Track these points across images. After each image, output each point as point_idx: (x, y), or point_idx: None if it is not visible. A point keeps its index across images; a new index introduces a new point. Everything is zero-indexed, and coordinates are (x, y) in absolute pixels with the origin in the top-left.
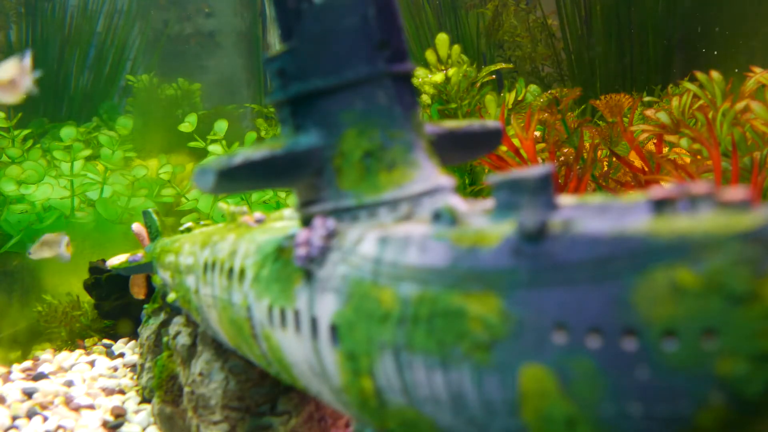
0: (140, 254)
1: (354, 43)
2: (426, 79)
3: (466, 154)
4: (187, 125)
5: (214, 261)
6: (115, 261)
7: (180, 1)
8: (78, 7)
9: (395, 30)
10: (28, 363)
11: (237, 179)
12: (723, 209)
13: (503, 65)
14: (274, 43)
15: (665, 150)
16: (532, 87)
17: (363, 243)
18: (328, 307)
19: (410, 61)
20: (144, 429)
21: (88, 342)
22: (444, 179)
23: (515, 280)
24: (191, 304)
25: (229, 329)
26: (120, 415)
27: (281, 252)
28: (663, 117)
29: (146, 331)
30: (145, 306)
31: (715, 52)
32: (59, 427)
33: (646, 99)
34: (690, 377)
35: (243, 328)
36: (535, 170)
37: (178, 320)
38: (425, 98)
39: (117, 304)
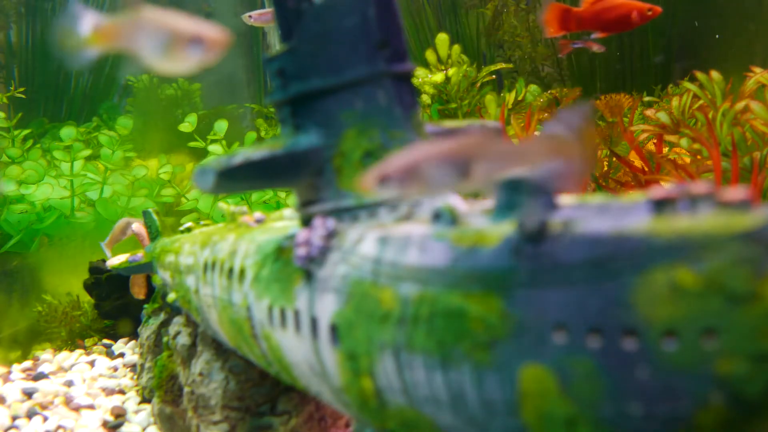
0: (140, 254)
1: (354, 43)
2: (426, 79)
3: None
4: (187, 125)
5: (214, 261)
6: (115, 261)
7: (180, 1)
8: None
9: (395, 30)
10: (28, 363)
11: (237, 179)
12: (723, 209)
13: (503, 65)
14: (274, 43)
15: (665, 150)
16: (532, 87)
17: (363, 243)
18: (328, 307)
19: (410, 61)
20: (144, 429)
21: (88, 342)
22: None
23: (515, 280)
24: (191, 304)
25: (229, 329)
26: (120, 415)
27: (281, 252)
28: (663, 117)
29: (146, 331)
30: (145, 306)
31: (715, 52)
32: (59, 427)
33: (646, 99)
34: (690, 377)
35: (243, 328)
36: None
37: (178, 320)
38: (425, 98)
39: (117, 304)
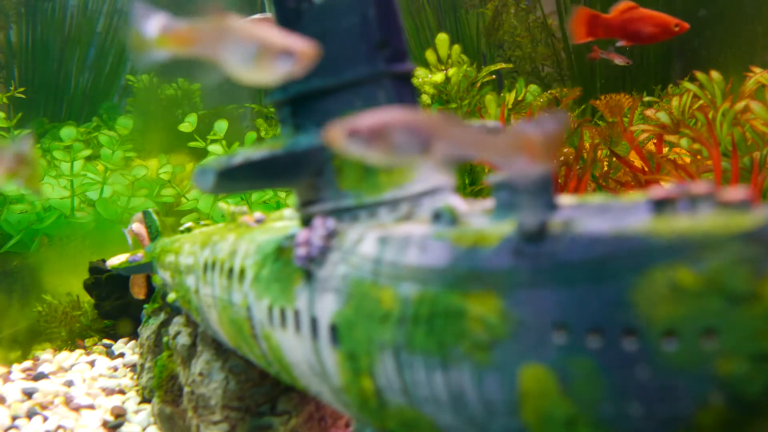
0: (140, 254)
1: (354, 43)
2: (426, 79)
3: None
4: (187, 125)
5: (214, 261)
6: (115, 261)
7: (180, 1)
8: (78, 7)
9: (395, 30)
10: (28, 363)
11: (237, 179)
12: (723, 209)
13: (503, 65)
14: None
15: (665, 150)
16: (532, 87)
17: (363, 243)
18: (328, 307)
19: (410, 61)
20: (144, 429)
21: (88, 342)
22: (444, 179)
23: (515, 280)
24: (191, 304)
25: (229, 329)
26: (120, 415)
27: (281, 252)
28: (663, 117)
29: (146, 331)
30: (145, 306)
31: (715, 52)
32: (59, 427)
33: (646, 99)
34: (690, 377)
35: (243, 328)
36: (535, 170)
37: (178, 320)
38: (425, 98)
39: (117, 304)
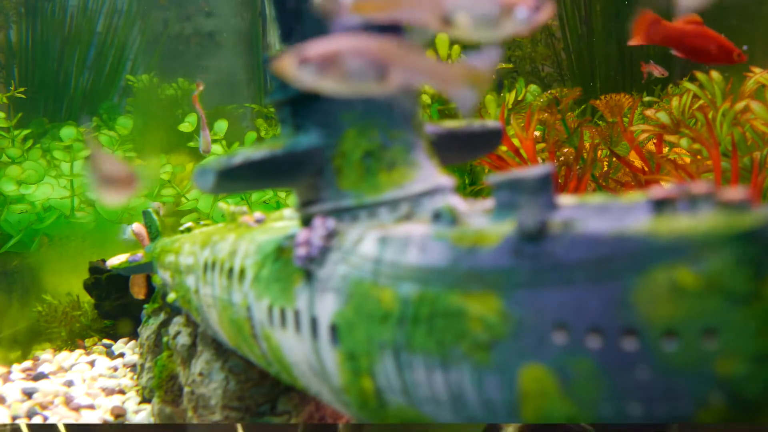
0: (140, 254)
1: None
2: None
3: (466, 154)
4: (187, 125)
5: (214, 261)
6: (115, 261)
7: (180, 1)
8: (78, 7)
9: (395, 29)
10: (28, 363)
11: (237, 179)
12: (723, 209)
13: (503, 65)
14: (274, 43)
15: (665, 150)
16: (532, 87)
17: (363, 243)
18: (328, 307)
19: None
20: None
21: (88, 342)
22: (444, 179)
23: (515, 280)
24: (191, 304)
25: (229, 329)
26: (120, 415)
27: (281, 252)
28: (663, 117)
29: (146, 331)
30: (145, 306)
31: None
32: None
33: (646, 99)
34: (690, 377)
35: (243, 328)
36: (535, 170)
37: (178, 320)
38: (425, 98)
39: (117, 304)
